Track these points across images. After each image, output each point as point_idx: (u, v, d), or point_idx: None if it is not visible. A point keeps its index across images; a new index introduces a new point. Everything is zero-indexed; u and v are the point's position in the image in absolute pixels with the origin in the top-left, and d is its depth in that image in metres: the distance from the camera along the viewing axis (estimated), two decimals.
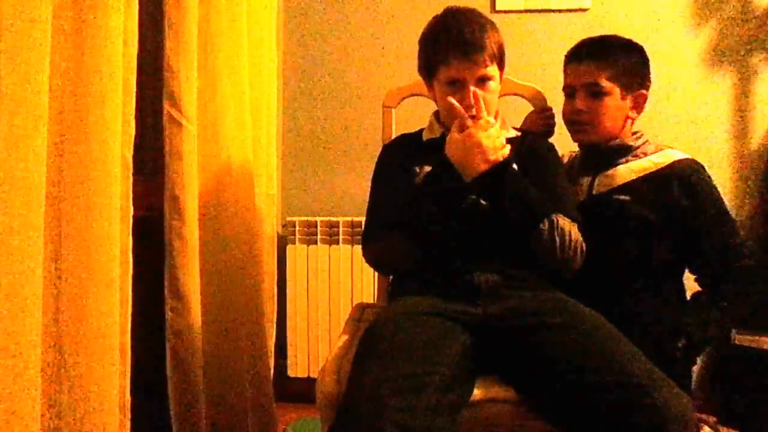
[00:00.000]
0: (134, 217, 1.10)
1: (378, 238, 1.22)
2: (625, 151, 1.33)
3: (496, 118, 1.27)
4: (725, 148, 2.09)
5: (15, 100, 0.80)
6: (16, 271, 0.80)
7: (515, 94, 1.53)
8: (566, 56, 1.39)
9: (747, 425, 1.75)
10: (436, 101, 1.31)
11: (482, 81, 1.19)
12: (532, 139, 1.31)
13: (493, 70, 1.20)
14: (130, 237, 1.09)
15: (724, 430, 1.75)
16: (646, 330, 1.21)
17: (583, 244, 1.16)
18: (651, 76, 1.35)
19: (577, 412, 0.90)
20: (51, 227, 0.91)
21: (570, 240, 1.13)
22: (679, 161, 1.29)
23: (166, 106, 1.29)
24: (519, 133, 1.30)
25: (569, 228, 1.14)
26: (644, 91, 1.33)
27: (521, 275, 1.14)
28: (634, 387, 0.85)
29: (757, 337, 1.73)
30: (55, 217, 0.92)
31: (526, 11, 2.13)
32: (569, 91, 1.37)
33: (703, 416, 1.78)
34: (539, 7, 2.12)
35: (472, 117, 1.15)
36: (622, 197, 1.28)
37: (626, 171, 1.31)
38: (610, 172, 1.32)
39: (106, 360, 0.99)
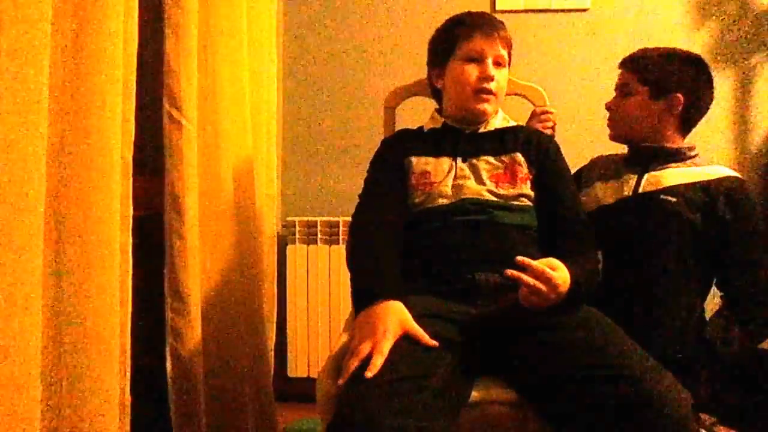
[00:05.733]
0: (134, 217, 1.10)
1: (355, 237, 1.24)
2: (677, 156, 1.35)
3: (496, 112, 1.30)
4: (725, 148, 2.09)
5: (15, 100, 0.80)
6: (16, 271, 0.80)
7: (515, 94, 1.53)
8: None
9: (747, 425, 1.75)
10: (439, 92, 1.34)
11: (498, 64, 1.26)
12: (538, 136, 1.33)
13: (506, 57, 1.29)
14: (130, 237, 1.09)
15: (724, 430, 1.75)
16: (668, 339, 1.23)
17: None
18: (702, 85, 1.35)
19: (575, 408, 0.90)
20: (51, 227, 0.91)
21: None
22: (728, 177, 1.31)
23: (166, 106, 1.29)
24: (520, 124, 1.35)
25: (596, 277, 1.15)
26: (678, 94, 1.33)
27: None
28: (633, 382, 0.85)
29: None
30: (55, 217, 0.92)
31: (526, 11, 2.13)
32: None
33: (702, 416, 1.77)
34: (539, 7, 2.12)
35: (488, 92, 1.23)
36: (670, 198, 1.29)
37: (675, 175, 1.32)
38: (658, 173, 1.33)
39: (106, 360, 0.99)
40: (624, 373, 0.87)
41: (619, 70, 1.41)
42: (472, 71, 1.24)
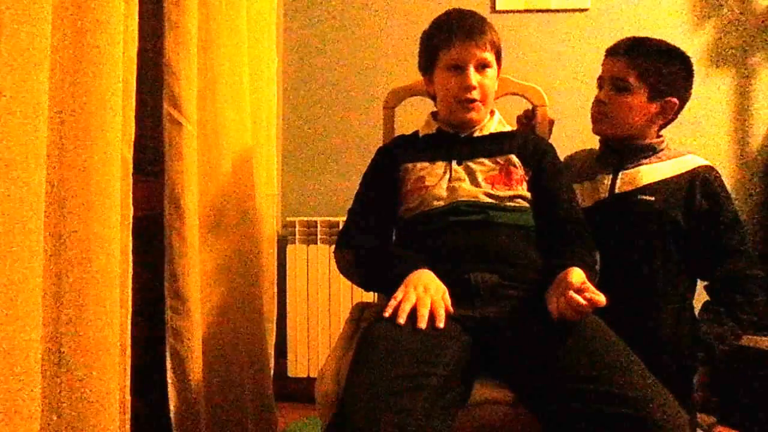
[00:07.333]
0: (134, 217, 1.10)
1: (344, 250, 1.26)
2: (649, 152, 1.34)
3: (492, 115, 1.30)
4: (725, 148, 2.09)
5: (15, 100, 0.80)
6: (17, 271, 0.80)
7: (515, 94, 1.53)
8: (606, 50, 1.40)
9: (747, 425, 1.75)
10: (435, 96, 1.34)
11: (482, 67, 1.23)
12: (534, 138, 1.35)
13: (491, 57, 1.24)
14: (130, 237, 1.09)
15: (724, 430, 1.75)
16: (663, 340, 1.22)
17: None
18: (690, 87, 1.35)
19: (573, 421, 0.89)
20: (51, 227, 0.91)
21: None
22: (701, 167, 1.31)
23: (166, 106, 1.29)
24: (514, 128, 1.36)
25: (596, 279, 1.13)
26: (674, 99, 1.32)
27: (520, 275, 1.13)
28: (632, 400, 0.84)
29: (757, 337, 1.73)
30: (55, 217, 0.92)
31: (526, 11, 2.13)
32: (600, 84, 1.39)
33: (702, 416, 1.78)
34: (539, 7, 2.12)
35: (472, 101, 1.22)
36: (648, 198, 1.28)
37: (650, 172, 1.32)
38: (633, 171, 1.33)
39: (106, 360, 0.99)
40: (628, 393, 0.85)
41: (609, 58, 1.36)
42: (453, 81, 1.23)
